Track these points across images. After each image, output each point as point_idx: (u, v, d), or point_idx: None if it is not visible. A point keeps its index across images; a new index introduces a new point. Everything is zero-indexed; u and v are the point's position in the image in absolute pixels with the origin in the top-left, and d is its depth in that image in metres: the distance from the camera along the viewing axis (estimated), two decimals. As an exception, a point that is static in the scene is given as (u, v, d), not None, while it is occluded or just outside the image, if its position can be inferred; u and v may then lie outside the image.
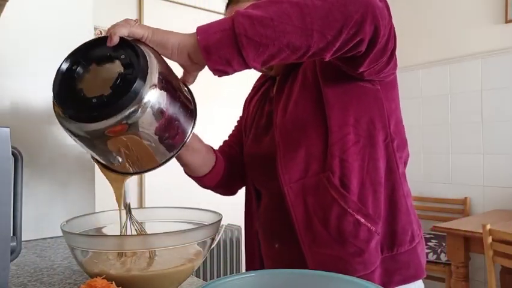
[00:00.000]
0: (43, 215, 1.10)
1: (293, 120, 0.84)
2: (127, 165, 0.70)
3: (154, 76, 0.61)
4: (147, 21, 2.53)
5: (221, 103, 2.72)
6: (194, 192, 1.40)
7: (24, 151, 0.70)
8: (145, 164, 0.72)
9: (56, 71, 0.64)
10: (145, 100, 0.60)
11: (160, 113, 0.63)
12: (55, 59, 1.13)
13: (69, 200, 1.15)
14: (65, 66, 0.64)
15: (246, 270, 1.00)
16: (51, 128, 1.12)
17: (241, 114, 1.12)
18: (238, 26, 0.61)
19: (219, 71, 0.65)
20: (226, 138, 1.11)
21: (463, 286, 2.32)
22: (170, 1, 2.64)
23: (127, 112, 0.59)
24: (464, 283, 2.32)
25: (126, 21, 0.65)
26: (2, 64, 1.06)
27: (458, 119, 3.00)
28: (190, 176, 0.99)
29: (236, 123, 1.13)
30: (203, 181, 1.00)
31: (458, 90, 3.00)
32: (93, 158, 0.73)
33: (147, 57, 0.62)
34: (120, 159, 0.68)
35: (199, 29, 0.63)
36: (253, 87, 1.09)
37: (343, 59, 0.73)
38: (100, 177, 1.21)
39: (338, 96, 0.81)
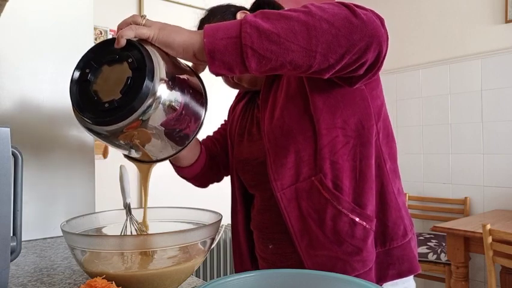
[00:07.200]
0: (43, 215, 1.11)
1: (280, 127, 0.84)
2: (142, 154, 0.75)
3: (161, 75, 0.64)
4: (147, 21, 2.53)
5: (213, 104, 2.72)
6: (194, 192, 1.40)
7: (24, 151, 0.70)
8: (159, 153, 0.76)
9: (71, 73, 0.67)
10: (155, 98, 0.63)
11: (171, 108, 0.66)
12: (55, 59, 1.15)
13: (69, 200, 1.15)
14: (78, 70, 0.68)
15: (236, 272, 0.99)
16: (51, 128, 1.12)
17: (226, 118, 1.13)
18: (245, 37, 0.62)
19: (219, 74, 0.67)
20: (210, 133, 1.12)
21: (463, 286, 2.32)
22: (170, 1, 2.64)
23: (139, 112, 0.62)
24: (464, 283, 2.32)
25: (133, 17, 0.67)
26: (2, 64, 1.06)
27: (458, 119, 2.99)
28: (171, 162, 1.00)
29: (223, 122, 1.14)
30: (183, 171, 1.02)
31: (458, 90, 3.00)
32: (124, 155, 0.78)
33: (153, 58, 0.64)
34: (135, 151, 0.74)
35: (207, 30, 0.64)
36: (238, 94, 1.09)
37: (340, 77, 0.75)
38: (100, 177, 1.22)
39: (325, 100, 0.81)
